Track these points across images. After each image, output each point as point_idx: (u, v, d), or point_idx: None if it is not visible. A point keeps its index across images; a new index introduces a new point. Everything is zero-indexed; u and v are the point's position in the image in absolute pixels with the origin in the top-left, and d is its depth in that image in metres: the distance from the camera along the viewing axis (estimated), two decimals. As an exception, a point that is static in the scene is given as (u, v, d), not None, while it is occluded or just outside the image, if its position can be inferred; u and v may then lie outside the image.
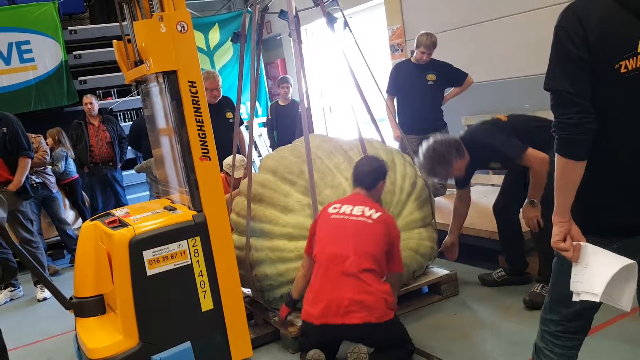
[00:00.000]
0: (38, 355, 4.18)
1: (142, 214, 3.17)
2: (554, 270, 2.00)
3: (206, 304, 3.06)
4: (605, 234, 1.86)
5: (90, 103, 7.04)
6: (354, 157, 3.65)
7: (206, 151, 3.05)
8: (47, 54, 8.22)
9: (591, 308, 1.93)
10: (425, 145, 3.50)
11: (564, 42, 1.71)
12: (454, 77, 5.50)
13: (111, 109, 8.41)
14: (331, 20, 3.89)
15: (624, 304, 1.79)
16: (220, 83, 5.50)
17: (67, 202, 7.10)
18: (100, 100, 7.95)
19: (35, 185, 6.26)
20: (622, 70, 1.68)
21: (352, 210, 3.06)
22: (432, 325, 3.59)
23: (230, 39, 9.58)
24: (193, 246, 3.01)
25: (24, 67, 8.13)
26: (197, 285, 3.03)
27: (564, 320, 1.99)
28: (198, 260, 3.03)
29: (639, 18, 1.66)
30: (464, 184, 3.86)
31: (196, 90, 3.01)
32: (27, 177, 5.97)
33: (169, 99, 3.02)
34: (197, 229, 3.02)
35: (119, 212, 3.32)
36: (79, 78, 8.62)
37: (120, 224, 3.07)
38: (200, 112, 3.03)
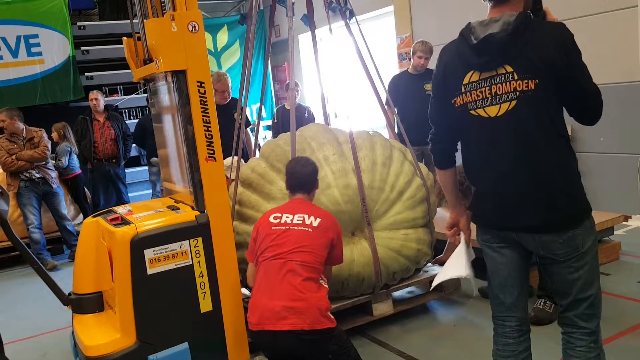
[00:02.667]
0: (33, 350, 4.16)
1: (145, 212, 3.16)
2: None
3: (205, 305, 3.04)
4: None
5: (96, 99, 7.04)
6: (345, 151, 3.63)
7: (212, 152, 3.04)
8: (55, 49, 8.24)
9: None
10: None
11: None
12: None
13: (117, 105, 8.42)
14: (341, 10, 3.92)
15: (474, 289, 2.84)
16: (230, 85, 5.51)
17: (68, 197, 7.09)
18: (107, 96, 7.96)
19: (36, 180, 6.26)
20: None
21: (292, 219, 2.93)
22: (433, 337, 3.58)
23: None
24: (195, 247, 3.00)
25: (31, 60, 8.15)
26: (197, 286, 3.01)
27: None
28: (199, 261, 3.01)
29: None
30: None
31: (204, 91, 3.00)
32: (20, 173, 5.97)
33: (177, 98, 3.01)
34: (199, 230, 3.01)
35: (121, 210, 3.30)
36: (86, 74, 8.64)
37: (123, 221, 3.05)
38: (208, 113, 3.02)
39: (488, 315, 2.43)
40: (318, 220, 2.92)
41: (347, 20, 3.92)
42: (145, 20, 3.20)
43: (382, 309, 3.72)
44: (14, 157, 6.06)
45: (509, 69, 2.03)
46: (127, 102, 8.80)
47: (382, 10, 8.06)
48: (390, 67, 7.77)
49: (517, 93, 2.03)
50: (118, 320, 2.91)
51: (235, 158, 3.81)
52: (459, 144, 2.35)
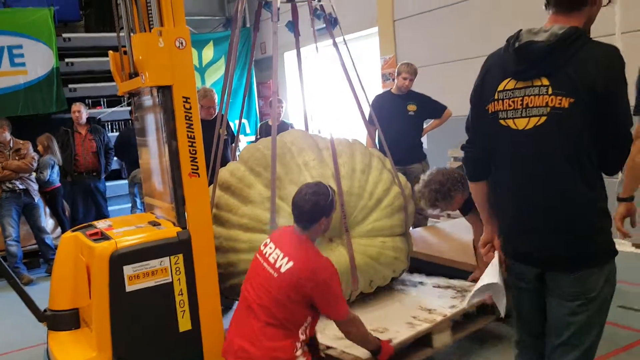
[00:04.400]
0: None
1: (125, 228, 3.11)
2: None
3: (184, 324, 2.99)
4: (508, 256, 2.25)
5: (79, 111, 7.00)
6: (325, 157, 3.61)
7: (196, 167, 3.02)
8: (39, 60, 8.18)
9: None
10: (429, 176, 3.40)
11: None
12: (433, 108, 5.55)
13: (99, 118, 8.36)
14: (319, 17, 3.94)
15: (501, 309, 2.34)
16: (216, 100, 5.50)
17: (46, 210, 6.98)
18: (90, 109, 7.90)
19: (17, 191, 6.18)
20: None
21: (270, 255, 2.70)
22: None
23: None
24: (175, 264, 2.96)
25: (14, 71, 8.07)
26: (176, 304, 2.97)
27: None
28: (179, 279, 2.97)
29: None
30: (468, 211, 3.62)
31: (190, 106, 2.99)
32: (3, 183, 5.91)
33: (161, 113, 3.00)
34: (180, 246, 2.97)
35: (101, 225, 3.26)
36: (70, 85, 8.58)
37: (102, 236, 3.01)
38: (192, 128, 3.00)
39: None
40: (289, 265, 2.60)
41: (331, 29, 3.92)
42: (132, 34, 3.18)
43: (442, 339, 3.36)
44: None
45: (545, 81, 1.93)
46: (110, 115, 8.74)
47: (367, 31, 8.15)
48: (374, 87, 7.83)
49: (549, 109, 1.92)
50: (94, 338, 2.85)
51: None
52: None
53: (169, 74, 2.93)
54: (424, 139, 5.77)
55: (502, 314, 2.35)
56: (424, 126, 5.68)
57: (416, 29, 7.17)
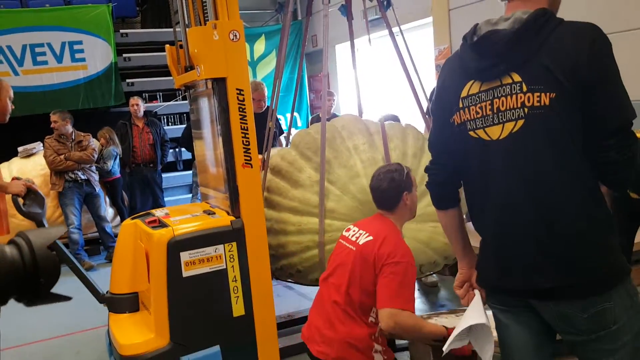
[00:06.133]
0: (67, 347, 4.26)
1: (182, 216, 3.22)
2: None
3: (238, 309, 3.08)
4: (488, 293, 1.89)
5: (137, 105, 7.22)
6: (376, 141, 3.61)
7: (249, 158, 3.09)
8: (98, 55, 8.47)
9: None
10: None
11: None
12: None
13: (156, 112, 8.59)
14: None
15: (486, 358, 1.88)
16: (266, 94, 5.58)
17: (107, 200, 7.26)
18: (146, 102, 8.13)
19: (79, 181, 6.45)
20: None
21: (352, 236, 2.62)
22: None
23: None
24: (229, 251, 3.04)
25: (74, 66, 8.37)
26: (230, 290, 3.05)
27: None
28: (233, 266, 3.05)
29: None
30: None
31: (243, 99, 3.06)
32: (65, 173, 6.19)
33: (216, 105, 3.08)
34: (234, 235, 3.05)
35: (159, 213, 3.37)
36: (127, 80, 8.85)
37: (160, 224, 3.12)
38: (246, 120, 3.07)
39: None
40: (368, 238, 2.50)
41: (384, 10, 3.91)
42: (187, 28, 3.28)
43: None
44: (62, 157, 6.26)
45: (517, 77, 1.58)
46: (166, 109, 8.97)
47: (421, 21, 8.06)
48: (427, 79, 7.75)
49: (526, 110, 1.56)
50: (153, 321, 2.97)
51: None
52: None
53: (223, 66, 3.00)
54: None
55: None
56: None
57: (472, 18, 6.98)
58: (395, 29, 3.91)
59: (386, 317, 2.34)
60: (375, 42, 4.36)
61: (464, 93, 1.71)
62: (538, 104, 1.54)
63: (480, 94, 1.66)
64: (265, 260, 3.16)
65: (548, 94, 1.52)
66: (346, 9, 4.19)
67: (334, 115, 7.17)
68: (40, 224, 3.18)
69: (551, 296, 1.61)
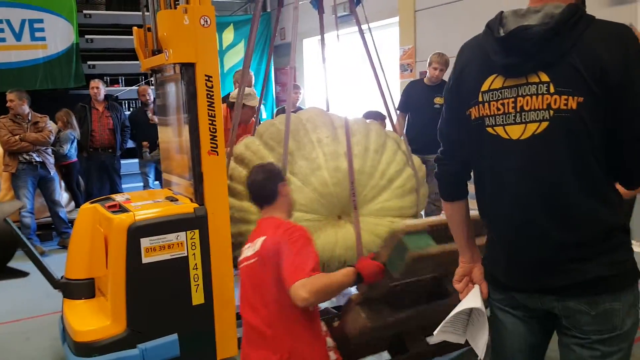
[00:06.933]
0: (17, 334, 4.15)
1: (143, 202, 3.17)
2: None
3: (197, 297, 3.04)
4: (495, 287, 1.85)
5: (97, 88, 7.06)
6: (339, 135, 3.63)
7: (215, 146, 3.06)
8: (59, 35, 8.23)
9: None
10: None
11: None
12: None
13: (117, 96, 8.41)
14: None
15: (479, 348, 1.84)
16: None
17: (61, 184, 7.07)
18: (107, 86, 7.95)
19: (34, 163, 6.26)
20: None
21: (249, 250, 2.45)
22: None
23: (240, 41, 9.69)
24: (191, 239, 3.01)
25: (34, 45, 8.12)
26: (190, 278, 3.02)
27: None
28: (194, 254, 3.02)
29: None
30: None
31: (212, 85, 3.02)
32: (20, 154, 6.01)
33: (184, 90, 3.03)
34: (197, 222, 3.02)
35: (119, 198, 3.31)
36: (89, 62, 8.64)
37: (121, 209, 3.06)
38: (214, 107, 3.04)
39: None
40: (261, 239, 2.37)
41: (354, 7, 3.92)
42: (157, 11, 3.22)
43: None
44: (17, 137, 6.06)
45: (544, 77, 1.53)
46: (127, 93, 8.79)
47: (387, 20, 8.12)
48: (391, 78, 7.82)
49: (551, 112, 1.52)
50: (109, 307, 2.92)
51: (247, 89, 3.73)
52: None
53: (193, 52, 2.96)
54: None
55: (481, 356, 1.85)
56: None
57: (437, 21, 7.13)
58: (364, 26, 3.92)
59: (299, 292, 2.17)
60: (343, 39, 4.37)
61: (484, 87, 1.65)
62: (565, 107, 1.50)
63: (503, 90, 1.61)
64: (227, 249, 3.13)
65: (576, 98, 1.49)
66: (317, 2, 4.18)
67: (299, 109, 7.17)
68: None
69: (559, 293, 1.61)
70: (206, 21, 2.99)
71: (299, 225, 2.48)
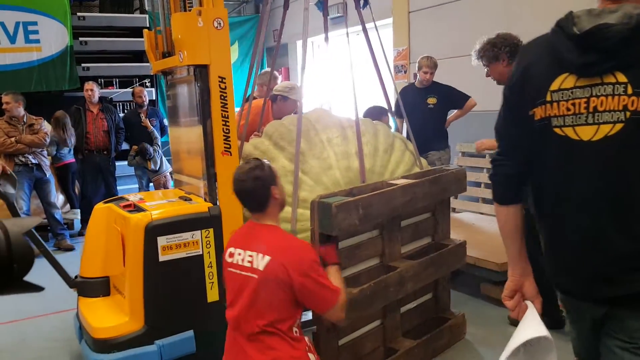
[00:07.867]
0: (13, 335, 4.14)
1: (158, 201, 3.22)
2: None
3: (212, 295, 3.11)
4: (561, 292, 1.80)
5: (91, 90, 7.06)
6: (349, 135, 3.69)
7: (228, 146, 3.13)
8: (53, 37, 8.19)
9: None
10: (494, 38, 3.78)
11: None
12: (456, 99, 5.66)
13: (111, 98, 8.40)
14: None
15: None
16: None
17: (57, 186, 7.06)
18: (102, 88, 7.95)
19: (30, 165, 6.25)
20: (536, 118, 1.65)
21: (243, 259, 2.31)
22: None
23: (234, 42, 9.75)
24: (206, 237, 3.07)
25: (28, 47, 8.07)
26: (205, 275, 3.08)
27: None
28: (209, 252, 3.08)
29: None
30: None
31: (225, 86, 3.09)
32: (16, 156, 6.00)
33: (197, 92, 3.09)
34: (211, 221, 3.09)
35: (132, 198, 3.36)
36: (83, 64, 8.61)
37: (136, 208, 3.12)
38: (227, 108, 3.10)
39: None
40: (266, 259, 2.24)
41: (361, 9, 4.00)
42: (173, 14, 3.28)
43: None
44: (12, 139, 6.06)
45: (622, 78, 1.47)
46: (121, 96, 8.79)
47: (381, 21, 8.21)
48: (385, 79, 7.91)
49: (627, 114, 1.47)
50: (127, 304, 2.97)
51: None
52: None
53: (206, 54, 3.03)
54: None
55: None
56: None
57: (431, 22, 7.23)
58: (370, 25, 4.00)
59: (338, 315, 2.33)
60: (335, 41, 4.44)
61: (554, 86, 1.58)
62: None
63: (574, 90, 1.55)
64: (241, 247, 3.19)
65: None
66: (323, 5, 4.26)
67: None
68: (11, 205, 3.12)
69: (613, 302, 1.58)
70: (219, 23, 3.06)
71: (300, 242, 2.40)
